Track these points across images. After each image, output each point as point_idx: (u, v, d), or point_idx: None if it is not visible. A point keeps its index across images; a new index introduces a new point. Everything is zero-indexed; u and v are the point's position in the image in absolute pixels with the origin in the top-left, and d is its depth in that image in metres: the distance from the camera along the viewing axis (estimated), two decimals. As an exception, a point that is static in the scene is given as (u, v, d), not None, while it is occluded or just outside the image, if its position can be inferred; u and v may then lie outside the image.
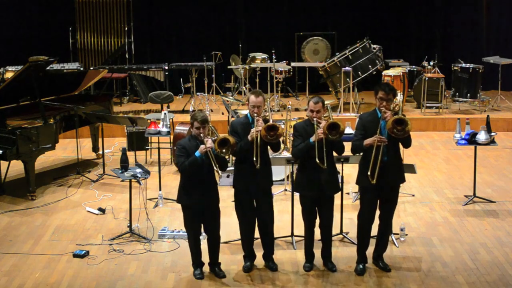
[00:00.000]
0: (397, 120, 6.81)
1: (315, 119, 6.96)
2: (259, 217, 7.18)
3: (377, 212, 7.19)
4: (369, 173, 6.84)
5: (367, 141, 6.93)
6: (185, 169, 6.91)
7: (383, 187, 6.97)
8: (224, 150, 6.80)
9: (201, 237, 7.22)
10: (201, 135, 6.86)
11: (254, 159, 6.89)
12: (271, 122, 6.95)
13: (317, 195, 7.06)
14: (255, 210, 7.16)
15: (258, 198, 7.12)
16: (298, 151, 7.04)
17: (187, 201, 6.99)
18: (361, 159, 7.16)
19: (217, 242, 7.16)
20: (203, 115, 6.90)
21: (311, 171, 7.01)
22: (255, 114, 7.01)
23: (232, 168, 9.55)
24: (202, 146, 6.82)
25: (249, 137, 6.95)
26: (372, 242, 7.29)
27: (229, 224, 8.01)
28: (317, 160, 6.84)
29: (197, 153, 6.84)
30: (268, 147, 7.16)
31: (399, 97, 7.23)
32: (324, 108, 7.08)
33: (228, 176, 9.58)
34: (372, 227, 7.17)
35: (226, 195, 8.82)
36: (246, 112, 10.63)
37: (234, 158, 7.42)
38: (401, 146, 7.13)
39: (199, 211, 6.98)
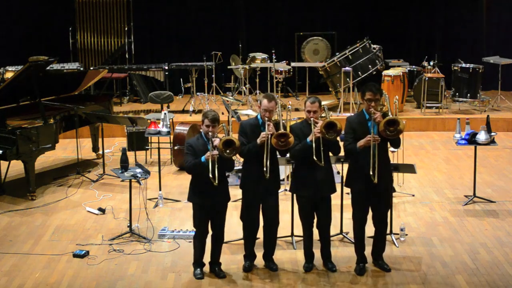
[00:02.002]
0: (389, 121, 6.75)
1: (312, 119, 6.95)
2: (265, 217, 7.17)
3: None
4: (370, 173, 6.82)
5: (361, 143, 6.89)
6: (189, 169, 6.95)
7: (372, 189, 6.96)
8: (228, 151, 6.77)
9: None
10: (210, 133, 6.85)
11: (265, 167, 6.85)
12: (282, 130, 6.89)
13: (313, 195, 7.05)
14: (261, 210, 7.15)
15: (265, 199, 7.11)
16: (296, 152, 7.02)
17: (197, 200, 6.99)
18: (350, 162, 7.17)
19: (220, 240, 7.17)
20: (214, 114, 6.87)
21: (306, 171, 7.00)
22: (266, 118, 6.97)
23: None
24: (208, 153, 6.80)
25: (259, 141, 6.91)
26: (371, 242, 7.29)
27: (229, 224, 7.97)
28: (314, 158, 6.84)
29: (202, 158, 6.83)
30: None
31: (387, 98, 7.16)
32: (321, 108, 7.07)
33: (228, 176, 9.55)
34: (365, 228, 7.15)
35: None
36: (246, 112, 10.70)
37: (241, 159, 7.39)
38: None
39: (208, 209, 6.99)
